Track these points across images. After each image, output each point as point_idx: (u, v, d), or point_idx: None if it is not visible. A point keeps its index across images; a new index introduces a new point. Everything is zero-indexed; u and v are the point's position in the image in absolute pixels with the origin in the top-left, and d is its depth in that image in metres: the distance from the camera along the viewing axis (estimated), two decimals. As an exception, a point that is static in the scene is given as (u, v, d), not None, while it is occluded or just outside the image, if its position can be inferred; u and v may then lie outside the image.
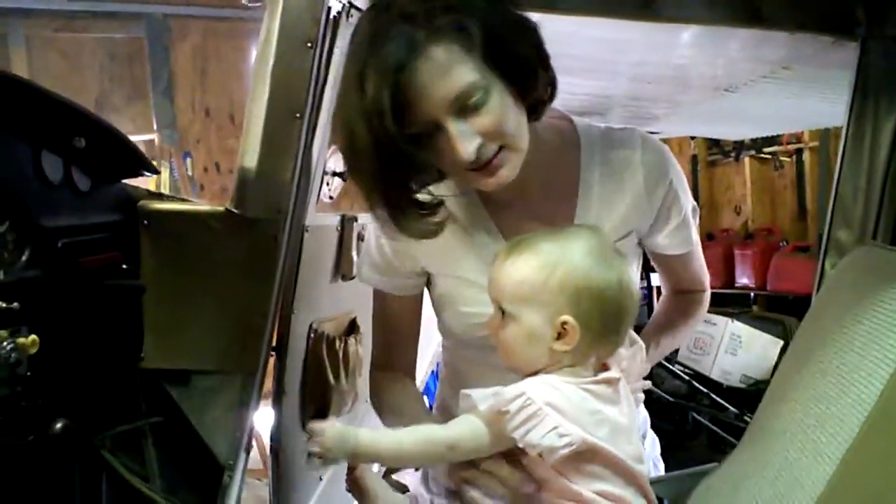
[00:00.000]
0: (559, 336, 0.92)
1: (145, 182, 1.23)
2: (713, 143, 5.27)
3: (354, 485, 1.04)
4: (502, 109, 0.95)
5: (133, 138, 3.69)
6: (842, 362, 0.84)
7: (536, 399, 0.87)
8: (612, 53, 1.67)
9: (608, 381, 0.93)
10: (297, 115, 1.12)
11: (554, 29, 1.01)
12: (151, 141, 4.28)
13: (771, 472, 0.87)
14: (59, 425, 0.90)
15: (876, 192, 1.08)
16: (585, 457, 0.88)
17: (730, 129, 3.42)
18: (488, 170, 0.97)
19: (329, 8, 1.15)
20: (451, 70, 0.91)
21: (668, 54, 1.61)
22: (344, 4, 1.22)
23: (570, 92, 2.23)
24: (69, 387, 1.00)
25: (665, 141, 4.47)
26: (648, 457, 1.30)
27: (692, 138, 5.14)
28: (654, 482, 0.98)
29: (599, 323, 0.92)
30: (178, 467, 1.17)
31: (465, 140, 0.93)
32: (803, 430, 0.85)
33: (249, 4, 1.20)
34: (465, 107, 0.93)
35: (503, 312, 0.96)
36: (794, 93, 1.77)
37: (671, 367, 4.12)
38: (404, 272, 1.18)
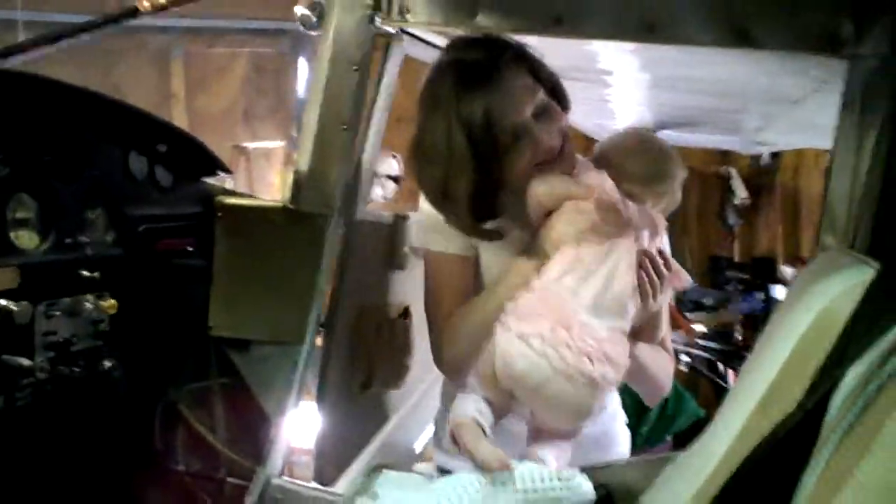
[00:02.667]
0: None
1: (272, 183, 1.46)
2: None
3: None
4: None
5: (267, 144, 4.02)
6: (766, 355, 0.94)
7: None
8: (669, 70, 1.76)
9: None
10: (344, 126, 1.31)
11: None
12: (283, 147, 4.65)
13: (702, 455, 0.98)
14: (107, 363, 1.13)
15: (857, 202, 1.14)
16: None
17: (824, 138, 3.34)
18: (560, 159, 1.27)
19: (375, 35, 1.34)
20: (532, 87, 1.27)
21: (714, 70, 1.68)
22: (396, 31, 1.40)
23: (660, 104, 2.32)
24: (144, 343, 1.23)
25: (799, 152, 4.41)
26: None
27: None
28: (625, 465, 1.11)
29: None
30: (238, 422, 1.39)
31: (546, 134, 1.24)
32: (727, 416, 0.95)
33: (312, 33, 1.40)
34: (542, 113, 1.25)
35: None
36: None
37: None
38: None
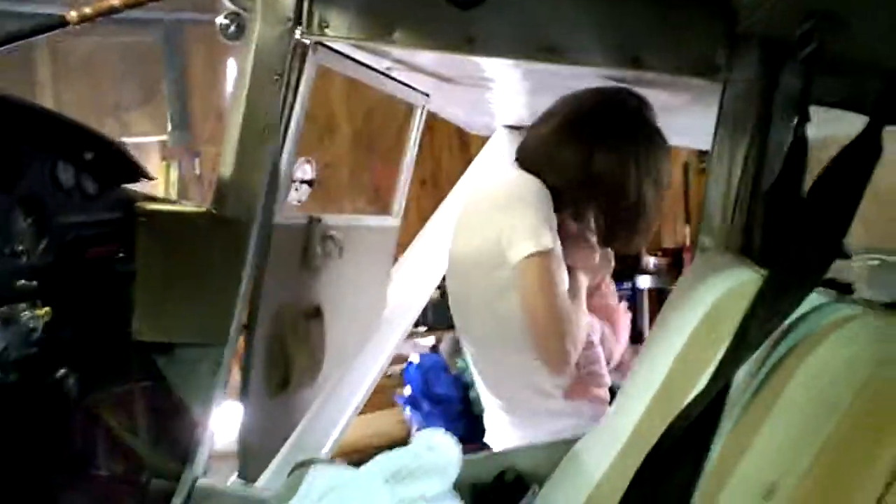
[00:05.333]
0: None
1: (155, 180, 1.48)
2: (703, 152, 5.45)
3: None
4: None
5: (147, 139, 3.94)
6: (660, 347, 1.09)
7: None
8: (548, 79, 1.89)
9: None
10: (266, 134, 1.37)
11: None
12: (164, 142, 4.54)
13: (607, 437, 1.12)
14: (61, 371, 1.15)
15: (730, 207, 1.31)
16: None
17: (697, 140, 3.63)
18: None
19: (295, 46, 1.40)
20: None
21: (593, 81, 1.81)
22: (311, 42, 1.47)
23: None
24: (75, 350, 1.25)
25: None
26: None
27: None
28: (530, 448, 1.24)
29: None
30: (161, 424, 1.42)
31: None
32: (628, 402, 1.10)
33: (231, 43, 1.45)
34: None
35: None
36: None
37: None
38: None
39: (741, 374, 0.76)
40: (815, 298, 0.76)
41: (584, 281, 1.77)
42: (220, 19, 1.43)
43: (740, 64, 1.31)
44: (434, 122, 2.79)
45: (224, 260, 1.38)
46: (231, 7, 1.41)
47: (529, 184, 1.65)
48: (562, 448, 1.30)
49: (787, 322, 0.74)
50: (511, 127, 2.69)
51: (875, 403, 0.59)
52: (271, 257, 1.52)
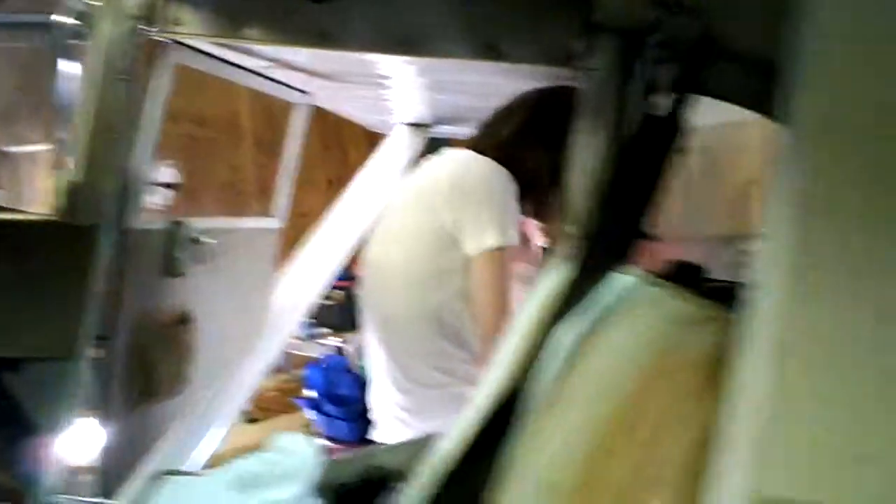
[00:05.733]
0: None
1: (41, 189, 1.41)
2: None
3: None
4: None
5: (37, 148, 3.73)
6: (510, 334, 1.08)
7: None
8: (440, 75, 1.87)
9: None
10: (114, 136, 1.31)
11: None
12: (55, 150, 4.37)
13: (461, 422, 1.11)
14: None
15: (589, 196, 1.31)
16: None
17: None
18: None
19: (148, 45, 1.35)
20: None
21: (477, 76, 1.80)
22: (166, 42, 1.41)
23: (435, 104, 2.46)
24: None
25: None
26: None
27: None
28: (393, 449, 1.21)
29: None
30: (8, 444, 1.34)
31: None
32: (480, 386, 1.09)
33: (82, 43, 1.39)
34: None
35: None
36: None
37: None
38: None
39: (552, 365, 0.74)
40: (627, 282, 0.75)
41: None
42: (65, 17, 1.37)
43: (597, 53, 1.30)
44: (342, 123, 2.74)
45: (72, 269, 1.31)
46: (76, 5, 1.35)
47: (502, 175, 1.64)
48: (428, 443, 1.28)
49: (599, 308, 0.73)
50: (411, 125, 2.67)
51: (641, 393, 0.58)
52: (130, 264, 1.46)
